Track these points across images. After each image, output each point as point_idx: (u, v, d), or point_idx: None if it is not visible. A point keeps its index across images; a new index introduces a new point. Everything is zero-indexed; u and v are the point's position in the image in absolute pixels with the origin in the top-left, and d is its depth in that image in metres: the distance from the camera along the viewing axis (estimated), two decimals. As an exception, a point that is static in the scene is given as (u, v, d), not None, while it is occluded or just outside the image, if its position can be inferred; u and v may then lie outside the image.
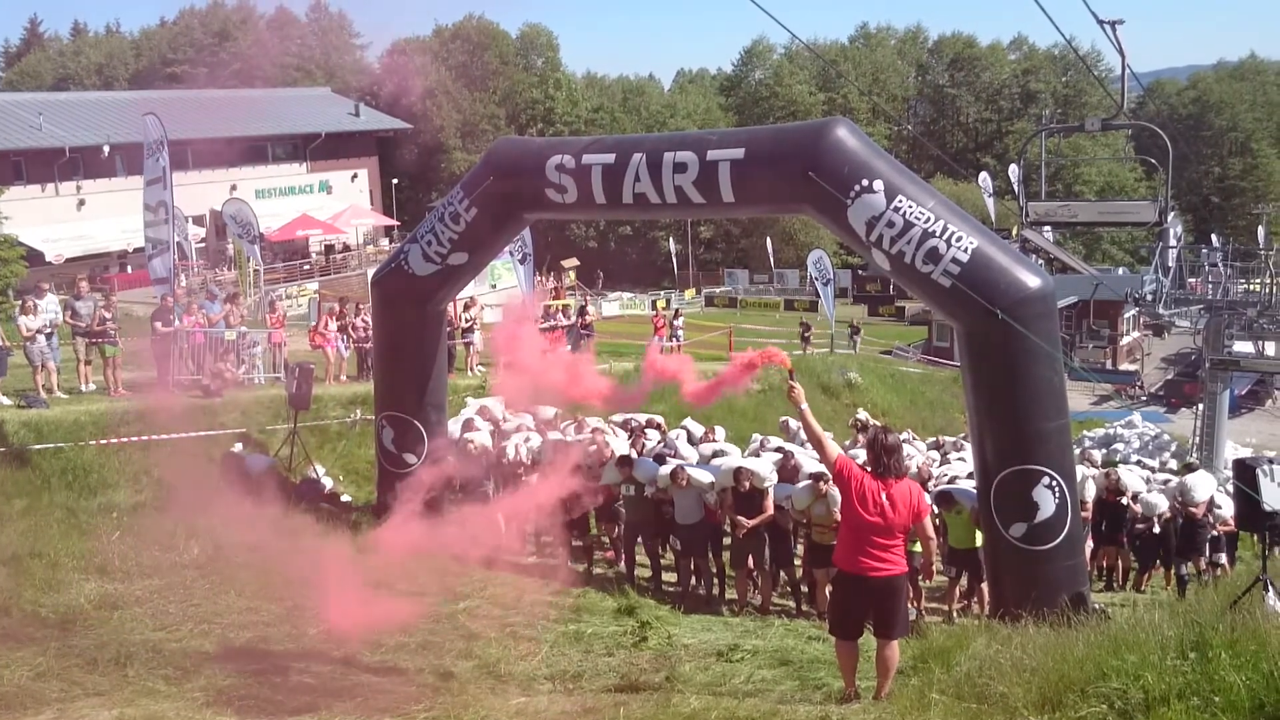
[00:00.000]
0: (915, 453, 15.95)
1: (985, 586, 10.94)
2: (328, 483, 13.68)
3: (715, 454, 13.37)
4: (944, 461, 15.50)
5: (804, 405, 6.98)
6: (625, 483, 12.04)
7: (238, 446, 14.00)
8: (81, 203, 44.00)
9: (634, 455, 12.57)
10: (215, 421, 15.11)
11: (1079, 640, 6.70)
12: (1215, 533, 13.09)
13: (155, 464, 12.96)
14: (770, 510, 11.21)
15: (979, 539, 10.79)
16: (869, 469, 6.77)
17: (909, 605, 9.03)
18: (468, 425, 13.88)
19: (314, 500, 12.87)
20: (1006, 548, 9.84)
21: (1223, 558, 13.22)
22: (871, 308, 61.66)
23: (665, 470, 11.76)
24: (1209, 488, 13.37)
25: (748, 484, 11.18)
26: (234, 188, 46.30)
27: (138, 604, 8.60)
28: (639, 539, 12.38)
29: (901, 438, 18.01)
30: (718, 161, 10.61)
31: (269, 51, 76.15)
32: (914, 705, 6.17)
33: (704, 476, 11.65)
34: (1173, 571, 13.40)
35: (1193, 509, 12.88)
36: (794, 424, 17.13)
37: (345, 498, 13.70)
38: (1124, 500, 13.53)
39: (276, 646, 7.93)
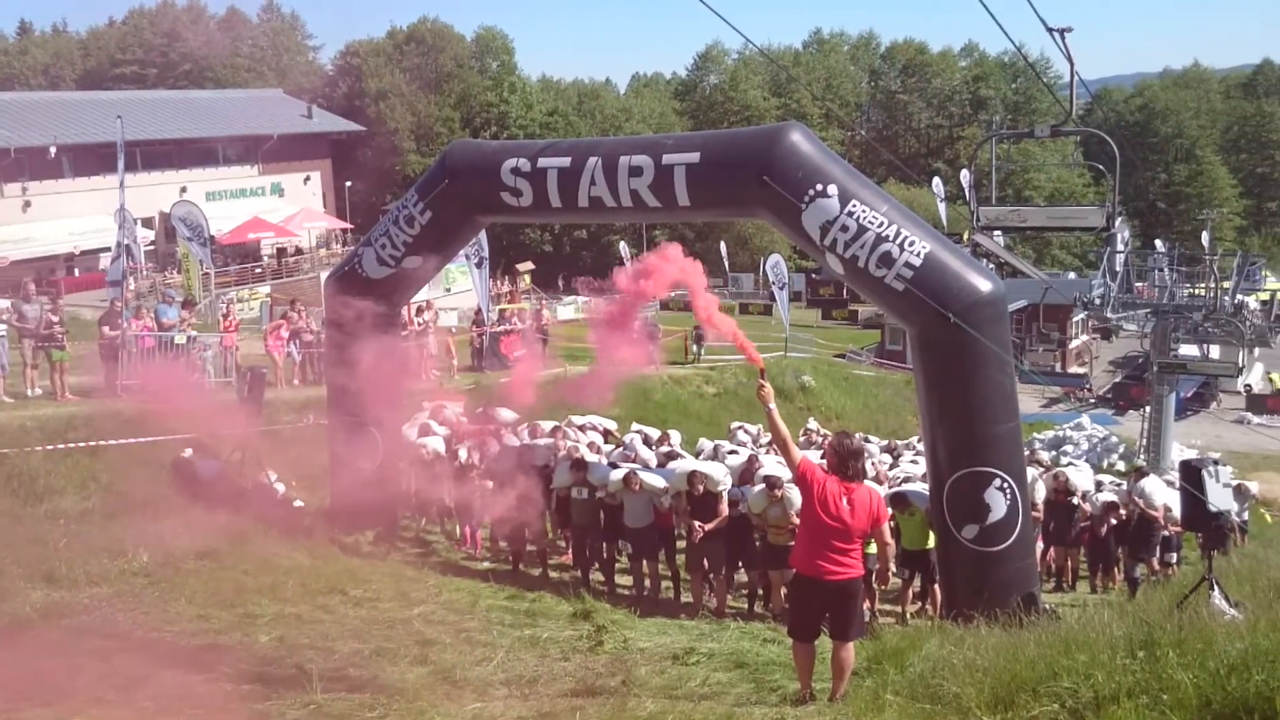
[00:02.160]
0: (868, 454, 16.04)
1: (938, 588, 11.05)
2: (280, 488, 13.51)
3: (669, 455, 13.42)
4: (895, 465, 15.60)
5: (772, 405, 6.95)
6: (577, 486, 12.02)
7: (188, 452, 13.81)
8: (27, 204, 43.28)
9: (589, 458, 12.55)
10: (165, 427, 14.91)
11: (1030, 640, 6.78)
12: (1167, 533, 13.29)
13: (103, 470, 12.78)
14: (725, 513, 11.24)
15: (932, 541, 10.89)
16: (831, 473, 6.80)
17: (864, 607, 9.09)
18: (423, 430, 13.81)
19: (266, 506, 12.71)
20: (959, 549, 9.93)
21: (1174, 558, 13.43)
22: (825, 311, 62.00)
23: (617, 474, 11.75)
24: (1164, 490, 13.58)
25: (701, 488, 11.20)
26: (184, 189, 45.72)
27: (86, 612, 8.46)
28: (589, 542, 12.38)
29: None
30: (673, 166, 10.63)
31: (220, 52, 75.48)
32: (868, 706, 6.21)
33: (657, 481, 11.66)
34: (1117, 571, 13.61)
35: (1153, 511, 13.07)
36: (751, 429, 17.18)
37: (298, 503, 13.55)
38: (1074, 500, 13.70)
39: (228, 654, 7.84)
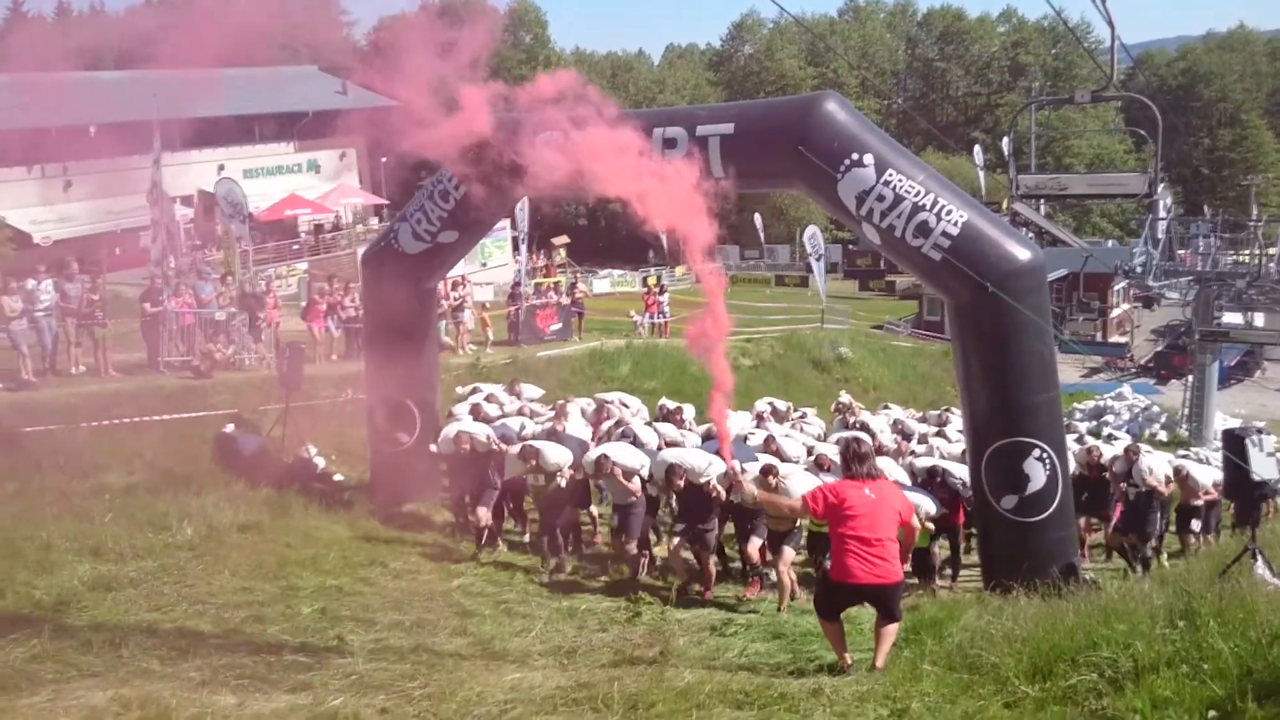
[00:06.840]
0: (882, 429, 15.60)
1: (934, 582, 10.75)
2: (320, 462, 13.65)
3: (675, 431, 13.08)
4: (939, 434, 15.24)
5: (757, 492, 7.72)
6: (531, 473, 11.23)
7: (230, 427, 13.97)
8: (68, 184, 43.70)
9: (537, 445, 11.35)
10: (206, 403, 15.09)
11: (1069, 610, 6.76)
12: (1198, 501, 13.01)
13: (147, 445, 12.96)
14: (717, 499, 10.33)
15: (928, 540, 10.58)
16: (844, 476, 6.99)
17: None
18: (475, 410, 13.47)
19: (306, 480, 12.86)
20: (998, 519, 9.89)
21: (1197, 525, 13.03)
22: (862, 282, 61.62)
23: (590, 457, 10.97)
24: (1164, 463, 13.25)
25: (682, 481, 10.45)
26: (221, 167, 45.99)
27: (132, 585, 8.60)
28: (558, 525, 11.47)
29: (894, 413, 17.88)
30: (707, 136, 10.57)
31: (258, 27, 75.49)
32: (906, 676, 6.21)
33: (631, 460, 10.87)
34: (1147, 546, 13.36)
35: (1159, 486, 12.69)
36: (780, 404, 16.98)
37: (338, 477, 13.69)
38: (1106, 475, 13.44)
39: (271, 626, 7.95)
